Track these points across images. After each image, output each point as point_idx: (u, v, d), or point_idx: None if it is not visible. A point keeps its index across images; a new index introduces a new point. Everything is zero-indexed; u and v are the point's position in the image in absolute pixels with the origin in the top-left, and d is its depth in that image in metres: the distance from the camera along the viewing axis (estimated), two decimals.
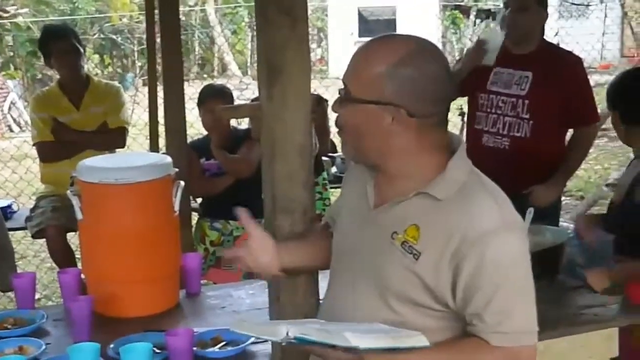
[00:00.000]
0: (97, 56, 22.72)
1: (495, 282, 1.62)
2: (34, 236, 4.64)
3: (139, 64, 19.90)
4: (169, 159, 3.12)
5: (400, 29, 23.83)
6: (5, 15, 17.01)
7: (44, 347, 2.60)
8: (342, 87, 1.75)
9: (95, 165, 2.95)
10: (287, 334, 1.59)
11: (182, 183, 3.08)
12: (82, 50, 4.60)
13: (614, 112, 3.08)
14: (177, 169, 3.09)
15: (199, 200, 4.49)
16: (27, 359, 2.36)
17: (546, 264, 3.04)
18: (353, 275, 1.80)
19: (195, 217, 4.50)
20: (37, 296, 5.31)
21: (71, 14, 21.76)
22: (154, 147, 4.97)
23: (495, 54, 3.75)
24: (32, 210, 4.67)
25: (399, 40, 1.78)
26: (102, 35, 22.85)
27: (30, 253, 6.22)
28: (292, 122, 2.01)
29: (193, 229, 4.39)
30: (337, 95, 1.78)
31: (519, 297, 1.67)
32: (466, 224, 1.63)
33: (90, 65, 21.64)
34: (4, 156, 9.81)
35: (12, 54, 19.93)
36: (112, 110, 4.57)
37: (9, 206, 4.94)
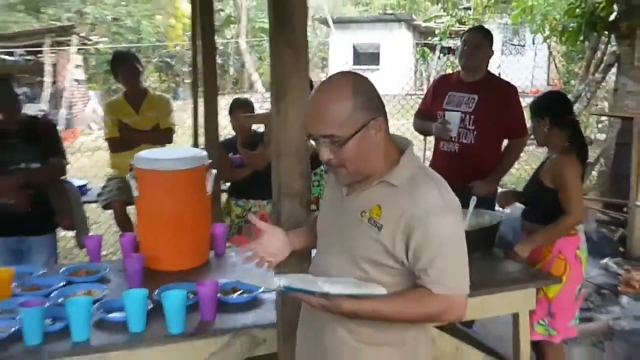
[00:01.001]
0: (156, 74, 22.72)
1: (436, 247, 1.62)
2: (104, 208, 4.63)
3: (188, 81, 19.85)
4: (204, 153, 3.11)
5: (383, 59, 23.84)
6: (90, 42, 17.02)
7: (105, 291, 2.61)
8: (323, 140, 1.65)
9: (148, 157, 2.94)
10: (279, 284, 1.60)
11: (214, 171, 3.07)
12: (141, 69, 4.57)
13: (541, 119, 3.06)
14: (210, 161, 3.08)
15: (228, 184, 4.47)
16: (92, 300, 2.34)
17: (484, 240, 3.04)
18: (331, 245, 1.80)
19: (224, 196, 4.47)
20: (104, 252, 5.35)
21: (137, 42, 21.70)
22: (195, 144, 4.97)
23: (456, 129, 3.74)
24: (102, 188, 4.67)
25: (336, 79, 1.70)
26: (160, 59, 22.81)
27: (102, 220, 6.21)
28: (292, 129, 2.00)
29: (222, 205, 4.39)
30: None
31: (455, 260, 1.66)
32: (414, 204, 1.63)
33: (151, 80, 21.70)
34: (84, 147, 9.84)
35: (94, 71, 19.94)
36: (163, 115, 4.54)
37: (85, 185, 4.94)
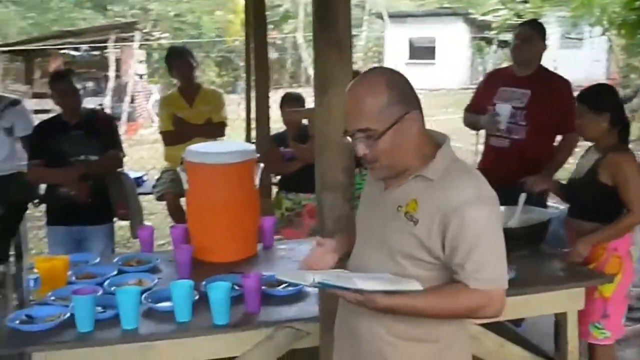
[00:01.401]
0: (216, 69, 23.02)
1: (472, 240, 1.58)
2: (158, 199, 4.70)
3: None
4: (252, 147, 3.13)
5: (438, 53, 23.55)
6: (152, 38, 17.37)
7: (156, 281, 2.64)
8: (359, 134, 1.63)
9: (198, 150, 2.96)
10: (314, 280, 1.59)
11: (262, 165, 3.07)
12: (194, 64, 4.61)
13: (599, 114, 2.92)
14: (258, 154, 3.08)
15: (278, 177, 4.48)
16: (141, 289, 2.37)
17: (532, 237, 2.95)
18: (369, 240, 1.78)
19: (275, 189, 4.49)
20: (161, 242, 5.44)
21: (198, 38, 22.00)
22: (247, 138, 5.00)
23: (506, 121, 3.64)
24: (157, 180, 4.73)
25: (370, 74, 1.69)
26: (219, 54, 23.08)
27: (157, 211, 6.31)
28: (335, 124, 1.98)
29: (273, 199, 4.40)
30: None
31: (492, 254, 1.62)
32: (450, 197, 1.60)
33: (211, 74, 22.01)
34: (145, 140, 10.05)
35: (156, 65, 20.33)
36: (215, 109, 4.56)
37: (141, 177, 5.01)
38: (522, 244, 2.84)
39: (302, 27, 23.67)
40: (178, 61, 4.54)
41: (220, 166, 2.86)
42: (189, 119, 4.49)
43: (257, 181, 3.01)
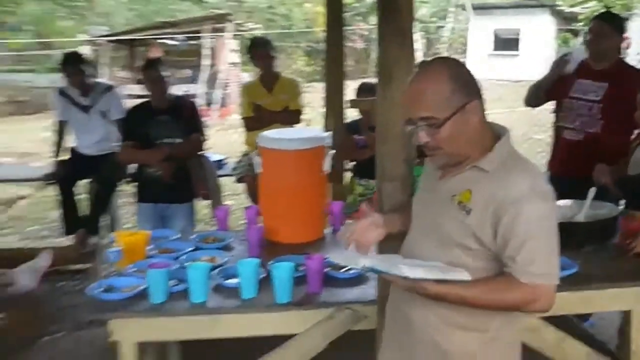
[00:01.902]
0: (305, 58, 23.14)
1: (524, 233, 1.53)
2: (237, 181, 4.79)
3: None
4: (322, 134, 3.11)
5: (522, 45, 22.76)
6: (245, 29, 17.65)
7: (227, 258, 2.68)
8: (421, 123, 1.61)
9: (271, 136, 2.98)
10: (364, 264, 1.58)
11: (332, 152, 3.06)
12: (274, 55, 4.65)
13: None
14: (328, 141, 3.07)
15: (352, 163, 4.46)
16: (211, 266, 2.42)
17: (599, 232, 2.80)
18: (422, 227, 1.76)
19: (348, 175, 4.47)
20: (242, 222, 5.52)
21: (288, 28, 22.19)
22: (325, 125, 4.99)
23: (574, 66, 3.49)
24: (237, 163, 4.81)
25: (433, 64, 1.68)
26: (308, 44, 23.18)
27: (238, 192, 6.40)
28: (397, 115, 1.93)
29: (346, 184, 4.39)
30: None
31: (544, 248, 1.56)
32: (505, 189, 1.56)
33: (299, 63, 22.15)
34: (236, 124, 10.22)
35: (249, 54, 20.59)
36: (292, 97, 4.59)
37: (222, 160, 5.08)
38: (589, 238, 2.70)
39: None
40: (259, 51, 4.60)
41: (291, 152, 2.87)
42: (268, 106, 4.54)
43: (326, 167, 3.00)
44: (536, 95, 3.85)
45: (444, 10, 24.02)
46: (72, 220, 4.54)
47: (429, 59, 2.14)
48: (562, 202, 2.83)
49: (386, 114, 2.00)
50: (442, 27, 24.09)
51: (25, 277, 3.89)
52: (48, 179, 4.73)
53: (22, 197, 7.86)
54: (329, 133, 3.17)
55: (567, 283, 2.12)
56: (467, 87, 1.61)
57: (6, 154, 9.43)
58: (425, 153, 1.71)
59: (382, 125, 2.02)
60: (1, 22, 22.07)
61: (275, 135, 3.00)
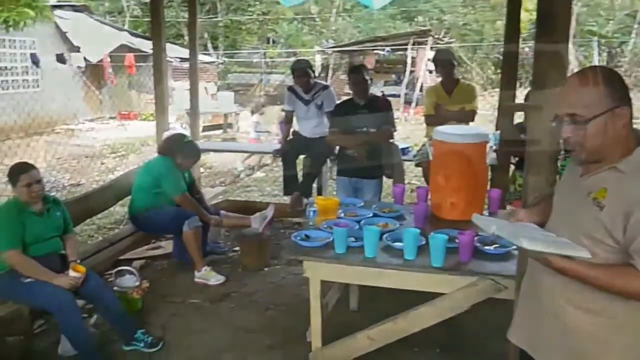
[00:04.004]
0: (493, 67, 21.81)
1: None
2: (416, 166, 4.71)
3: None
4: (486, 132, 2.95)
5: None
6: (442, 42, 17.04)
7: (397, 225, 2.68)
8: (567, 119, 1.44)
9: (442, 131, 2.89)
10: (493, 230, 1.50)
11: (494, 146, 2.89)
12: (455, 64, 4.45)
13: None
14: (491, 137, 2.90)
15: (516, 158, 4.15)
16: (381, 230, 2.43)
17: None
18: (559, 219, 1.58)
19: (512, 168, 4.19)
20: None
21: (480, 42, 21.08)
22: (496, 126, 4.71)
23: None
24: (417, 151, 4.72)
25: (591, 69, 1.46)
26: (498, 55, 21.82)
27: (418, 174, 6.28)
28: (546, 119, 1.73)
29: (510, 175, 4.11)
30: None
31: None
32: (637, 190, 1.37)
33: (489, 72, 20.94)
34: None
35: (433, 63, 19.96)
36: (468, 100, 4.37)
37: (407, 148, 4.93)
38: None
39: (572, 34, 21.10)
40: (441, 61, 4.46)
41: (458, 145, 2.77)
42: (447, 106, 4.40)
43: (488, 160, 2.85)
44: None
45: (629, 27, 20.99)
46: (291, 185, 4.81)
47: None
48: None
49: (536, 117, 1.84)
50: (625, 42, 21.09)
51: (257, 222, 4.22)
52: (278, 152, 5.07)
53: (263, 165, 8.60)
54: (497, 132, 3.00)
55: None
56: (618, 93, 1.42)
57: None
58: (567, 148, 1.54)
59: (531, 127, 1.87)
60: (265, 36, 24.23)
61: (446, 130, 2.90)
